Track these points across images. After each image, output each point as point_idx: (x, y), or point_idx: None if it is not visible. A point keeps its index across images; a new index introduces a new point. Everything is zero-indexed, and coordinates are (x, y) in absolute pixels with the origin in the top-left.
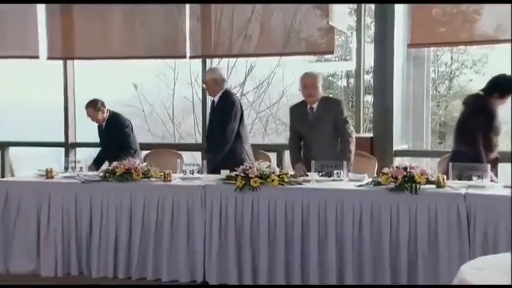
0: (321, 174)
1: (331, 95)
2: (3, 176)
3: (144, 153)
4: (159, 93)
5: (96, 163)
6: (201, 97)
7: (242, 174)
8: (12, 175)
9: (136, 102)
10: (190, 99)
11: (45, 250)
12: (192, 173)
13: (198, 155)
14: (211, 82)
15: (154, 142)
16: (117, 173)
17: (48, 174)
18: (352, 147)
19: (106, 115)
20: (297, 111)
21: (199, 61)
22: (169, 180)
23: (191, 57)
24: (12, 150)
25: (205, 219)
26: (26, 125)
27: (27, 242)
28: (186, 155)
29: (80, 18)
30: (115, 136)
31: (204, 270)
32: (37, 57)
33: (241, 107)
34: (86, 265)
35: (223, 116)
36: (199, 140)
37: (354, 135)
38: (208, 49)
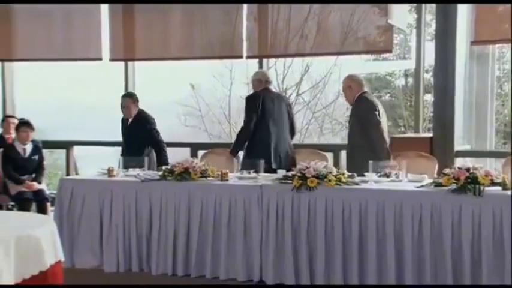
0: (378, 174)
1: (388, 95)
2: (68, 174)
3: (201, 152)
4: (215, 93)
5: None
6: None
7: (299, 174)
8: (77, 173)
9: (193, 102)
10: None
11: (107, 246)
12: (249, 173)
13: None
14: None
15: (210, 142)
16: (176, 172)
17: (110, 172)
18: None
19: (136, 111)
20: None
21: (255, 61)
22: (226, 180)
23: (248, 57)
24: (76, 149)
25: (262, 219)
26: (89, 125)
27: (91, 238)
28: (242, 155)
29: (141, 19)
30: (143, 133)
31: (260, 270)
32: (100, 59)
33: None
34: (146, 262)
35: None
36: None
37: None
38: (264, 49)
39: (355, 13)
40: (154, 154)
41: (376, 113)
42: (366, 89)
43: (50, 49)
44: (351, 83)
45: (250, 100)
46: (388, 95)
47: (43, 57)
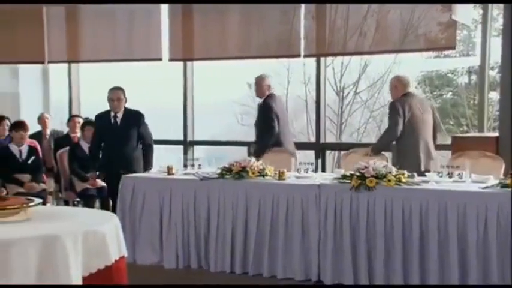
0: (440, 175)
1: (450, 93)
2: None
3: None
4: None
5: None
6: (314, 96)
7: (357, 174)
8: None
9: (250, 101)
10: (303, 98)
11: (167, 243)
12: (307, 172)
13: (311, 154)
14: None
15: None
16: (234, 171)
17: (169, 171)
18: None
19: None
20: None
21: (312, 60)
22: (284, 179)
23: (305, 56)
24: None
25: (320, 218)
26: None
27: (152, 234)
28: (299, 154)
29: (199, 19)
30: (136, 129)
31: (318, 269)
32: (160, 59)
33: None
34: (204, 259)
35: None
36: (312, 138)
37: None
38: (322, 48)
39: (416, 10)
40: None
41: (398, 116)
42: (410, 89)
43: (113, 50)
44: (397, 83)
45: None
46: (450, 93)
47: (106, 59)
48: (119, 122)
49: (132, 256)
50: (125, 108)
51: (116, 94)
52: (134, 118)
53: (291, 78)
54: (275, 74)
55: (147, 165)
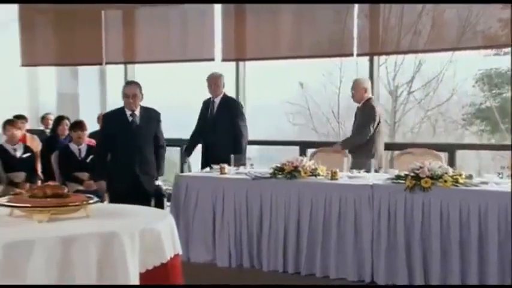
0: (500, 176)
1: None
2: (182, 171)
3: (310, 151)
4: (324, 91)
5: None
6: None
7: (412, 174)
8: (189, 170)
9: (301, 100)
10: None
11: (220, 242)
12: (359, 172)
13: None
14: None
15: (319, 140)
16: (286, 171)
17: (222, 170)
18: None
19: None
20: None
21: (365, 59)
22: (336, 179)
23: (358, 55)
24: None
25: (373, 218)
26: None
27: (205, 233)
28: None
29: (252, 19)
30: (153, 129)
31: (372, 270)
32: (212, 59)
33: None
34: (257, 258)
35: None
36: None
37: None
38: (375, 46)
39: (473, 7)
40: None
41: (373, 119)
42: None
43: (167, 51)
44: (367, 86)
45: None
46: (510, 92)
47: (161, 59)
48: (137, 121)
49: (186, 254)
50: (140, 106)
51: (131, 90)
52: (153, 117)
53: (343, 78)
54: (327, 73)
55: (160, 170)
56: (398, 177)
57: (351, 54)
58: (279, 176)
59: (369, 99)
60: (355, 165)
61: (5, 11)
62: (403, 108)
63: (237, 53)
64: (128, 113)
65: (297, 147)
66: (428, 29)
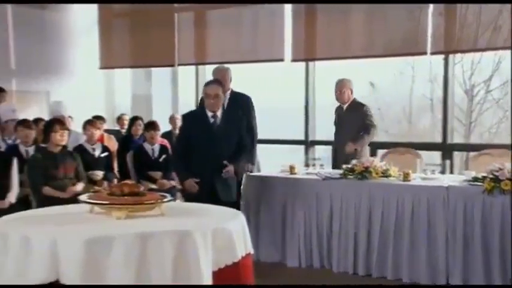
0: None
1: None
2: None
3: (380, 152)
4: (395, 91)
5: None
6: (441, 95)
7: (491, 176)
8: (259, 170)
9: (371, 100)
10: (428, 96)
11: (289, 242)
12: (433, 173)
13: (436, 155)
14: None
15: (389, 141)
16: (356, 171)
17: (292, 170)
18: None
19: None
20: None
21: (440, 57)
22: (409, 180)
23: (432, 53)
24: (258, 147)
25: (448, 221)
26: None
27: (274, 233)
28: (424, 155)
29: (322, 19)
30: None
31: (446, 274)
32: (282, 60)
33: None
34: (327, 259)
35: None
36: (438, 139)
37: None
38: (451, 44)
39: None
40: None
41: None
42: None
43: (238, 52)
44: (352, 87)
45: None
46: None
47: (232, 60)
48: (219, 122)
49: (256, 254)
50: (223, 106)
51: (213, 89)
52: (236, 118)
53: (415, 77)
54: (399, 73)
55: (236, 162)
56: (475, 179)
57: (425, 53)
58: (350, 176)
59: (354, 99)
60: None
61: (87, 16)
62: (479, 107)
63: (307, 53)
64: (209, 114)
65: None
66: (509, 25)
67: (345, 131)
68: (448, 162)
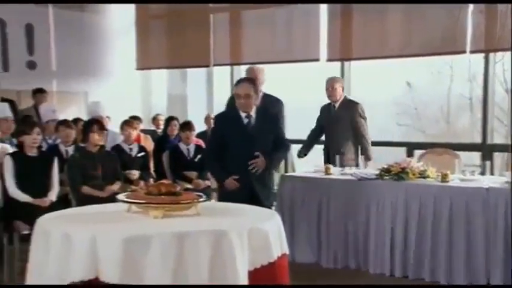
0: None
1: None
2: (286, 171)
3: (417, 152)
4: (433, 90)
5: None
6: (480, 94)
7: None
8: (293, 170)
9: (408, 100)
10: (467, 96)
11: (325, 242)
12: (473, 174)
13: (475, 156)
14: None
15: (426, 141)
16: (393, 172)
17: (327, 170)
18: None
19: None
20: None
21: (479, 56)
22: (447, 181)
23: (472, 52)
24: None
25: (488, 223)
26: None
27: (310, 233)
28: (462, 156)
29: (359, 18)
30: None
31: (487, 276)
32: (317, 59)
33: None
34: (363, 260)
35: None
36: (478, 139)
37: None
38: (491, 43)
39: None
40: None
41: None
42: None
43: (272, 52)
44: (343, 85)
45: None
46: None
47: (267, 60)
48: (253, 122)
49: (291, 254)
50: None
51: (243, 89)
52: (272, 119)
53: (454, 76)
54: (436, 72)
55: (271, 164)
56: None
57: (464, 52)
58: (386, 177)
59: (346, 97)
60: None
61: (125, 18)
62: None
63: (342, 53)
64: (243, 114)
65: (403, 149)
66: None
67: (338, 129)
68: (488, 163)
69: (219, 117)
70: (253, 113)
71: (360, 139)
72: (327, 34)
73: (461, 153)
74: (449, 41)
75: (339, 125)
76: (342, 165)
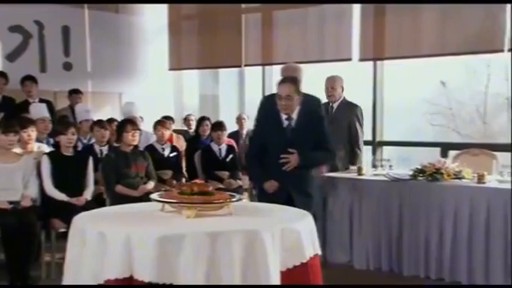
0: None
1: None
2: None
3: (452, 153)
4: (468, 90)
5: None
6: None
7: None
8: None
9: (442, 100)
10: (504, 95)
11: (357, 243)
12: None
13: None
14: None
15: (462, 142)
16: (427, 172)
17: (360, 171)
18: None
19: None
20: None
21: None
22: (484, 182)
23: (510, 50)
24: None
25: None
26: None
27: (342, 234)
28: (500, 156)
29: (392, 18)
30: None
31: None
32: (350, 59)
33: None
34: (396, 262)
35: None
36: None
37: None
38: None
39: None
40: None
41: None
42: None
43: (304, 52)
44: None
45: None
46: None
47: (298, 60)
48: (293, 125)
49: (323, 255)
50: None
51: (284, 90)
52: (315, 121)
53: (491, 75)
54: (472, 71)
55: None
56: None
57: (501, 50)
58: (420, 178)
59: (344, 98)
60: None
61: (158, 19)
62: None
63: (375, 52)
64: (283, 116)
65: (437, 149)
66: None
67: (333, 131)
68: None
69: (260, 117)
70: (294, 115)
71: (353, 145)
72: (360, 33)
73: (498, 154)
74: (486, 40)
75: (334, 126)
76: (374, 166)
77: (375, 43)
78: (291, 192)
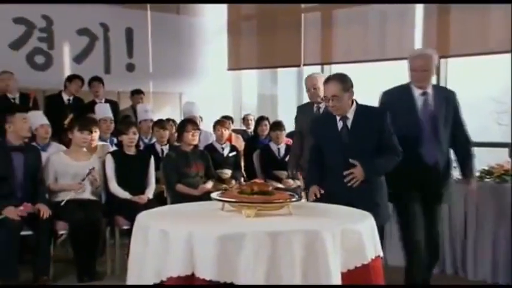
0: None
1: None
2: None
3: None
4: None
5: None
6: None
7: None
8: None
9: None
10: None
11: None
12: None
13: None
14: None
15: None
16: (495, 174)
17: None
18: None
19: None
20: None
21: None
22: None
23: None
24: None
25: None
26: None
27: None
28: None
29: (457, 15)
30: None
31: None
32: None
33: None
34: (461, 266)
35: None
36: None
37: None
38: None
39: None
40: None
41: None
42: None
43: (365, 51)
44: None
45: None
46: None
47: (359, 59)
48: (349, 127)
49: (384, 257)
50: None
51: (329, 89)
52: (375, 120)
53: None
54: None
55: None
56: None
57: None
58: (487, 179)
59: None
60: None
61: (217, 19)
62: None
63: (439, 50)
64: (337, 117)
65: (505, 150)
66: None
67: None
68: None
69: (315, 119)
70: (350, 115)
71: None
72: (422, 31)
73: None
74: None
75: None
76: None
77: (438, 41)
78: (351, 201)
